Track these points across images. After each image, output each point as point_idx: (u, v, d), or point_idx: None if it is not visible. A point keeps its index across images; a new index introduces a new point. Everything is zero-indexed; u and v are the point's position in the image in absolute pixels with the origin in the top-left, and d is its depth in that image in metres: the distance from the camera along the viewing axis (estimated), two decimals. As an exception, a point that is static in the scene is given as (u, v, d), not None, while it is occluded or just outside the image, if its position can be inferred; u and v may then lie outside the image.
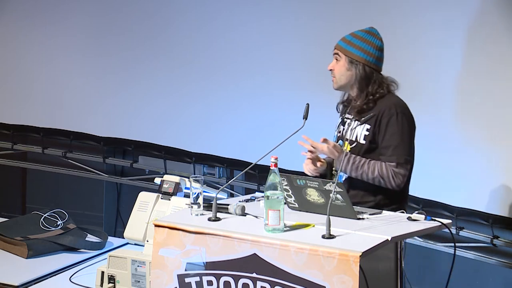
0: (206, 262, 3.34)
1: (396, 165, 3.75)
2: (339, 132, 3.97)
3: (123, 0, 5.94)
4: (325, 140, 3.79)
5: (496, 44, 4.49)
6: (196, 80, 5.71)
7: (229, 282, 3.30)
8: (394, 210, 3.73)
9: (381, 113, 3.79)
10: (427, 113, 4.77)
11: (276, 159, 3.32)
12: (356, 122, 3.86)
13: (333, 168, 3.91)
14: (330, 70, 3.90)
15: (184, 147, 5.86)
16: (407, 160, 3.78)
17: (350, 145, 3.86)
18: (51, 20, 6.17)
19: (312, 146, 3.80)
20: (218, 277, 3.32)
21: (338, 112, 4.03)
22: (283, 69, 5.31)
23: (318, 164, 3.86)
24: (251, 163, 3.67)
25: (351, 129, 3.88)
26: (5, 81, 6.40)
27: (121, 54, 5.97)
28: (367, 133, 3.81)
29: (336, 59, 3.88)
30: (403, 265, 3.45)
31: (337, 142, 3.95)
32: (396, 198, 3.82)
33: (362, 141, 3.82)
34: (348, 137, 3.88)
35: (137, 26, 5.89)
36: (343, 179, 3.87)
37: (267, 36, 5.38)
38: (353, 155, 3.79)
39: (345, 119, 3.95)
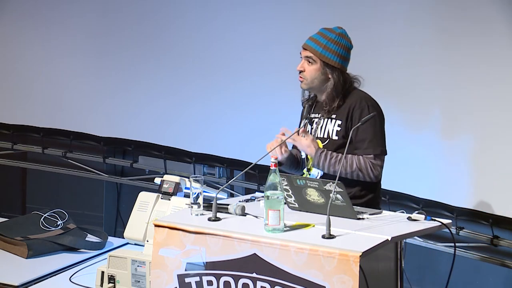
0: (206, 262, 3.34)
1: (374, 157, 3.78)
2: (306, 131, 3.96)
3: (123, 0, 5.94)
4: (305, 132, 3.81)
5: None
6: (196, 80, 5.71)
7: (229, 282, 3.30)
8: (370, 200, 3.79)
9: (352, 107, 3.82)
10: (426, 113, 4.77)
11: (276, 159, 3.32)
12: (326, 120, 3.88)
13: (307, 167, 3.93)
14: (300, 71, 3.89)
15: (184, 147, 5.86)
16: (382, 151, 3.82)
17: (322, 142, 3.88)
18: (51, 20, 6.17)
19: (293, 139, 3.81)
20: (218, 277, 3.32)
21: (307, 114, 4.01)
22: (283, 69, 5.31)
23: (283, 150, 3.86)
24: (251, 163, 3.67)
25: (321, 127, 3.90)
26: (5, 81, 6.40)
27: (121, 54, 5.97)
28: (339, 128, 3.84)
29: (309, 62, 3.87)
30: (403, 265, 3.45)
31: None
32: (371, 188, 3.85)
33: (335, 137, 3.85)
34: (319, 135, 3.90)
35: (137, 26, 5.89)
36: (318, 176, 3.88)
37: (267, 36, 5.38)
38: (329, 151, 3.80)
39: (312, 119, 3.95)
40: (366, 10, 4.92)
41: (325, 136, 3.88)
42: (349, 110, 3.82)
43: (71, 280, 4.14)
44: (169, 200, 4.30)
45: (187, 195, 4.21)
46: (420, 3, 4.75)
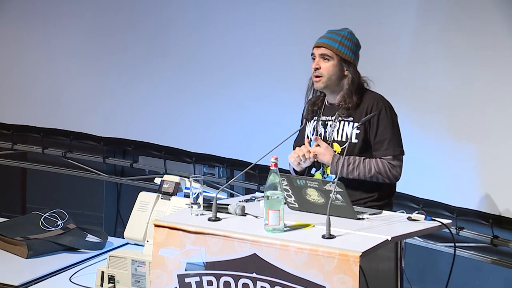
0: (206, 262, 3.34)
1: (393, 158, 3.79)
2: (318, 134, 3.92)
3: (123, 1, 5.94)
4: (318, 139, 3.81)
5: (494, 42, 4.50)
6: (196, 80, 5.71)
7: (229, 282, 3.30)
8: (386, 204, 3.82)
9: (369, 109, 3.81)
10: (426, 113, 4.77)
11: (276, 159, 3.32)
12: (343, 122, 3.85)
13: (326, 173, 3.91)
14: (316, 69, 3.84)
15: (184, 147, 5.86)
16: (401, 151, 3.83)
17: (340, 146, 3.85)
18: (51, 20, 6.17)
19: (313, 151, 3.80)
20: (218, 277, 3.32)
21: (308, 115, 3.97)
22: (283, 69, 5.31)
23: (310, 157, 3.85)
24: (251, 163, 3.67)
25: (337, 130, 3.87)
26: (5, 81, 6.40)
27: (121, 54, 5.97)
28: (358, 131, 3.81)
29: (325, 58, 3.83)
30: (403, 265, 3.45)
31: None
32: (388, 193, 3.89)
33: (354, 140, 3.82)
34: (336, 138, 3.87)
35: (136, 26, 5.89)
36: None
37: (267, 37, 5.38)
38: (346, 157, 3.77)
39: (326, 122, 3.91)
40: (367, 10, 4.92)
41: (343, 139, 3.85)
42: (367, 112, 3.80)
43: (71, 280, 4.14)
44: (169, 200, 4.30)
45: (187, 195, 4.22)
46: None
